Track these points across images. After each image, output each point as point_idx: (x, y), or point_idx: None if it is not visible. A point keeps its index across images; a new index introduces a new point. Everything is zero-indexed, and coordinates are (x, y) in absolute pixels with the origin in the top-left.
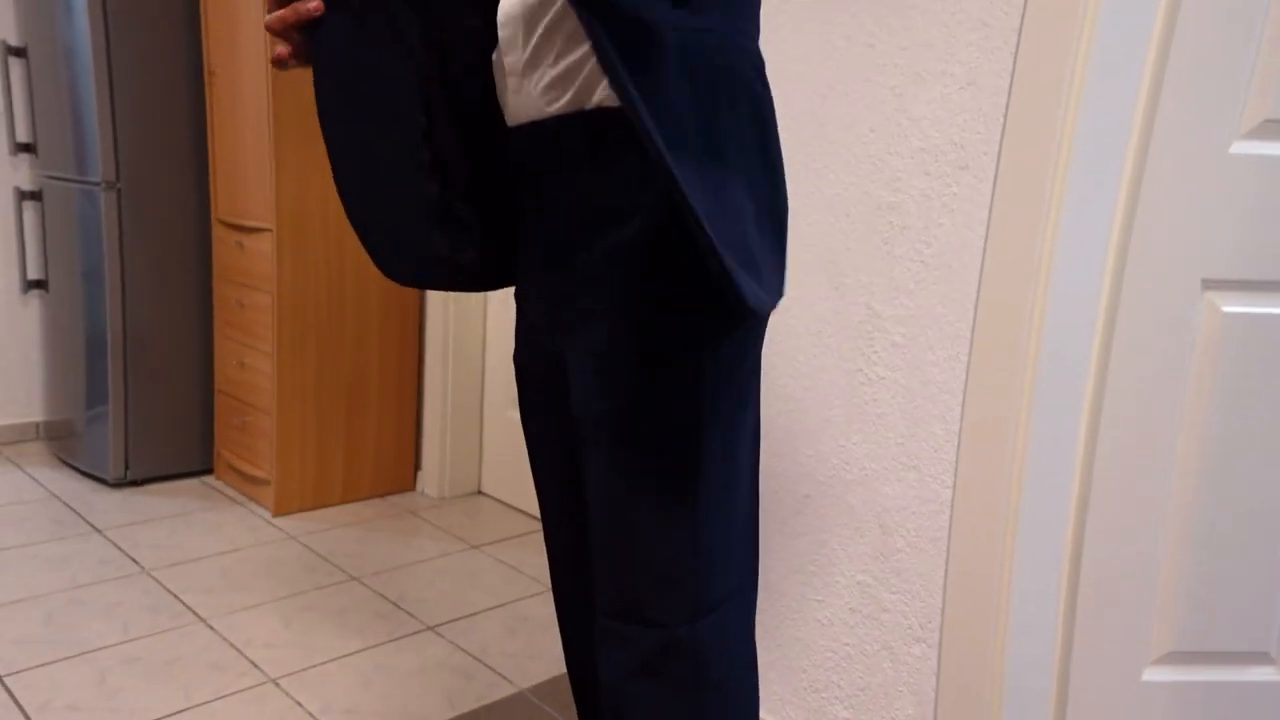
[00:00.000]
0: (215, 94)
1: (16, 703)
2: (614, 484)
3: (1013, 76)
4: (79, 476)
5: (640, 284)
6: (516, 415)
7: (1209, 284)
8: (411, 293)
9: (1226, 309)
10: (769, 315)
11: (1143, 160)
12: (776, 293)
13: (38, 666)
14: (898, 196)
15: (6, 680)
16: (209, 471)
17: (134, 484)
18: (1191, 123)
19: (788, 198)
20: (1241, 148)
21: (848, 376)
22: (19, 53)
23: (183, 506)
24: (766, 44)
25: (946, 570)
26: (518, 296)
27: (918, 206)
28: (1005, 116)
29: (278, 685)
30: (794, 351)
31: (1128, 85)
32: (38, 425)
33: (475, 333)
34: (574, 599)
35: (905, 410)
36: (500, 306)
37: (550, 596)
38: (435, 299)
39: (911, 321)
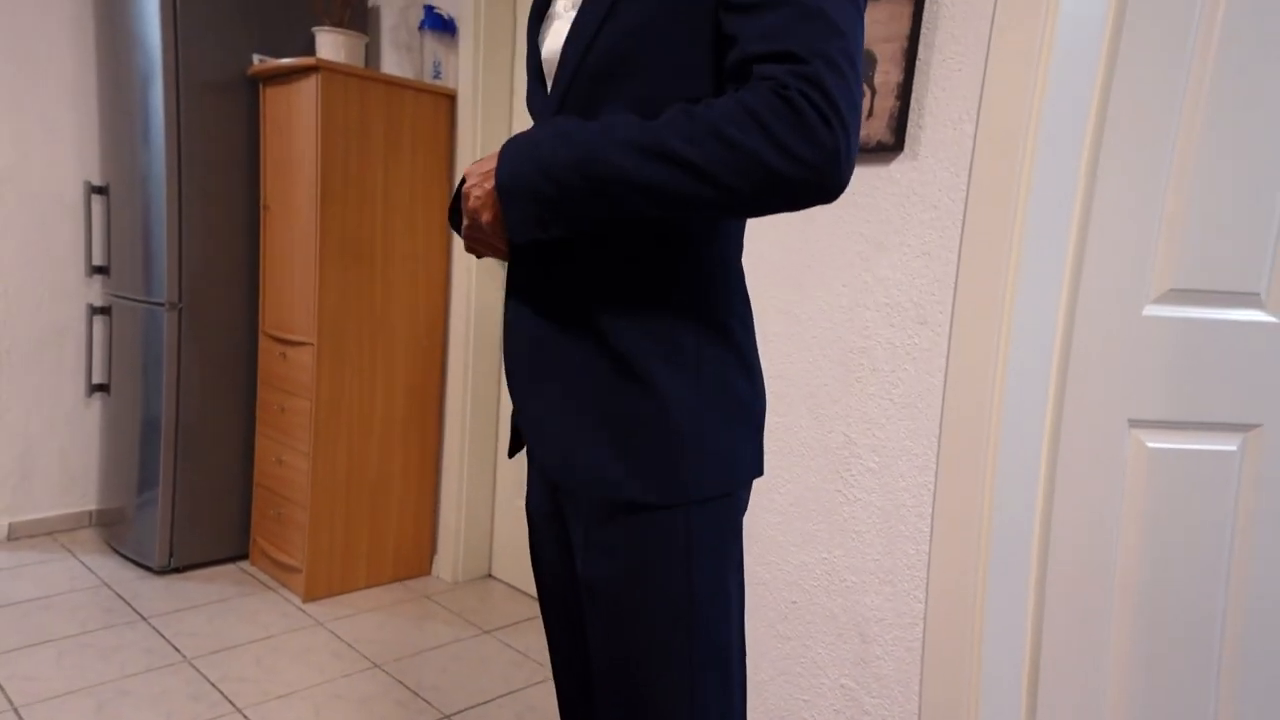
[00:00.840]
0: (268, 225)
1: None
2: (612, 646)
3: (960, 249)
4: (127, 564)
5: None
6: (523, 504)
7: (1134, 423)
8: (433, 395)
9: (1151, 444)
10: (749, 489)
11: (1072, 320)
12: (757, 470)
13: None
14: (868, 343)
15: None
16: (244, 557)
17: (177, 570)
18: (1110, 289)
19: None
20: (1152, 310)
21: (829, 496)
22: (101, 190)
23: (220, 592)
24: (765, 223)
25: (921, 678)
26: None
27: (885, 352)
28: (956, 282)
29: None
30: (781, 470)
31: (1057, 258)
32: (91, 513)
33: (489, 430)
34: None
35: (881, 529)
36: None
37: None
38: (454, 400)
39: (884, 450)
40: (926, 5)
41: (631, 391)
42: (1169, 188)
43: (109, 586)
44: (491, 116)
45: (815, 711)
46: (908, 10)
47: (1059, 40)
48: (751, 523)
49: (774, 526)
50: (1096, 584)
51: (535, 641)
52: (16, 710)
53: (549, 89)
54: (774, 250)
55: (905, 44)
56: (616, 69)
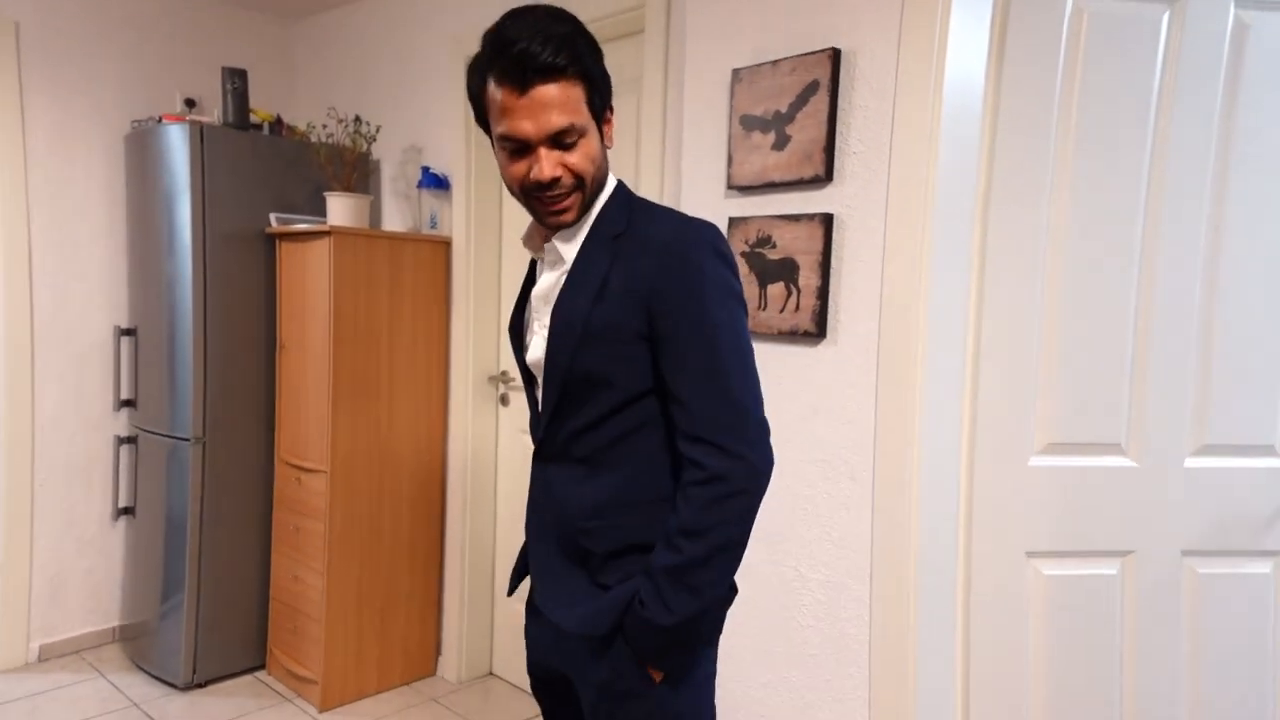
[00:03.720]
0: (284, 362)
1: None
2: None
3: (875, 416)
4: (152, 680)
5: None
6: (522, 606)
7: (1031, 554)
8: (435, 510)
9: (1046, 571)
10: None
11: (972, 472)
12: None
13: None
14: (811, 491)
15: None
16: (262, 667)
17: (199, 685)
18: (1001, 446)
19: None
20: (1037, 460)
21: (785, 622)
22: (129, 332)
23: (241, 707)
24: None
25: None
26: (529, 610)
27: (825, 500)
28: (874, 444)
29: None
30: (749, 599)
31: (953, 423)
32: (115, 629)
33: (487, 536)
34: None
35: (830, 654)
36: (506, 510)
37: None
38: (454, 514)
39: (828, 585)
40: (835, 227)
41: None
42: (1039, 363)
43: (138, 706)
44: (483, 261)
45: None
46: (820, 231)
47: (935, 257)
48: (727, 645)
49: (741, 647)
50: (1012, 692)
51: None
52: None
53: (540, 385)
54: None
55: (820, 257)
56: (592, 380)
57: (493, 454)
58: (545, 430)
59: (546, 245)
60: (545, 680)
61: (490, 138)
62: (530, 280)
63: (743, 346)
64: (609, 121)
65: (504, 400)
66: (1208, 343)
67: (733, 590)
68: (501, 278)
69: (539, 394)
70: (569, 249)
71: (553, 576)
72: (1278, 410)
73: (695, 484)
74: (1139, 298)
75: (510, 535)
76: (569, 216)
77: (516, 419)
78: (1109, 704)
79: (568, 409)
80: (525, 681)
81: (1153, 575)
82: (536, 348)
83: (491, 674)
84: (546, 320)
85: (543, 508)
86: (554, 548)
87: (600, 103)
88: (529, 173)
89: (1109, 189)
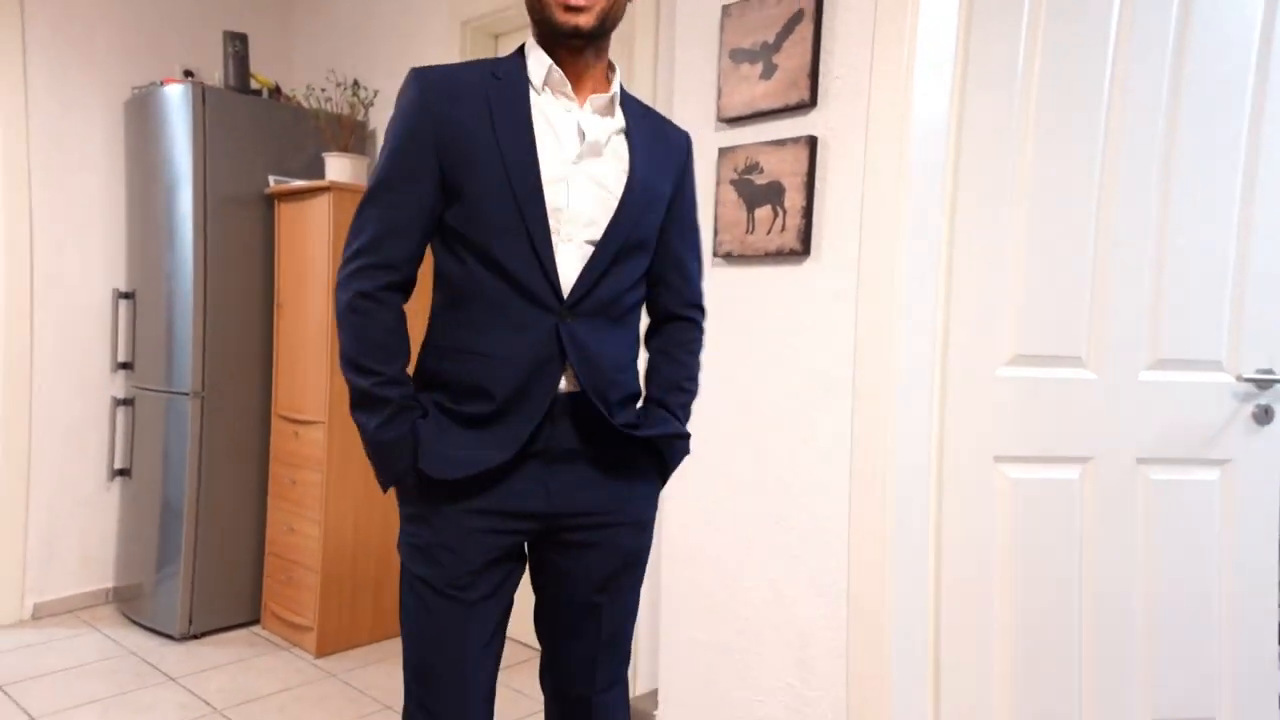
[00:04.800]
0: (282, 320)
1: None
2: (629, 599)
3: (855, 328)
4: (147, 633)
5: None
6: None
7: (999, 458)
8: None
9: (1011, 475)
10: None
11: (945, 381)
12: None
13: None
14: (793, 402)
15: None
16: (256, 621)
17: (195, 637)
18: (971, 356)
19: None
20: (1004, 371)
21: (770, 524)
22: (127, 295)
23: (239, 654)
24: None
25: (848, 670)
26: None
27: (806, 410)
28: (854, 353)
29: None
30: (731, 501)
31: (929, 333)
32: (108, 590)
33: None
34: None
35: (808, 551)
36: None
37: None
38: None
39: (810, 489)
40: (819, 148)
41: None
42: (1007, 281)
43: (135, 654)
44: None
45: (768, 709)
46: (805, 153)
47: (912, 176)
48: (711, 551)
49: (729, 547)
50: (980, 585)
51: (529, 681)
52: None
53: (563, 236)
54: (732, 325)
55: (805, 178)
56: (644, 243)
57: None
58: (589, 288)
59: (594, 97)
60: (508, 544)
61: None
62: (519, 120)
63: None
64: None
65: None
66: (1160, 265)
67: None
68: None
69: (561, 245)
70: (616, 108)
71: (583, 423)
72: (1224, 328)
73: (695, 340)
74: (1099, 222)
75: None
76: (586, 19)
77: None
78: (1069, 597)
79: (617, 268)
80: (515, 628)
81: (1110, 479)
82: (583, 201)
83: None
84: (600, 173)
85: (530, 365)
86: (578, 400)
87: None
88: None
89: (1072, 122)
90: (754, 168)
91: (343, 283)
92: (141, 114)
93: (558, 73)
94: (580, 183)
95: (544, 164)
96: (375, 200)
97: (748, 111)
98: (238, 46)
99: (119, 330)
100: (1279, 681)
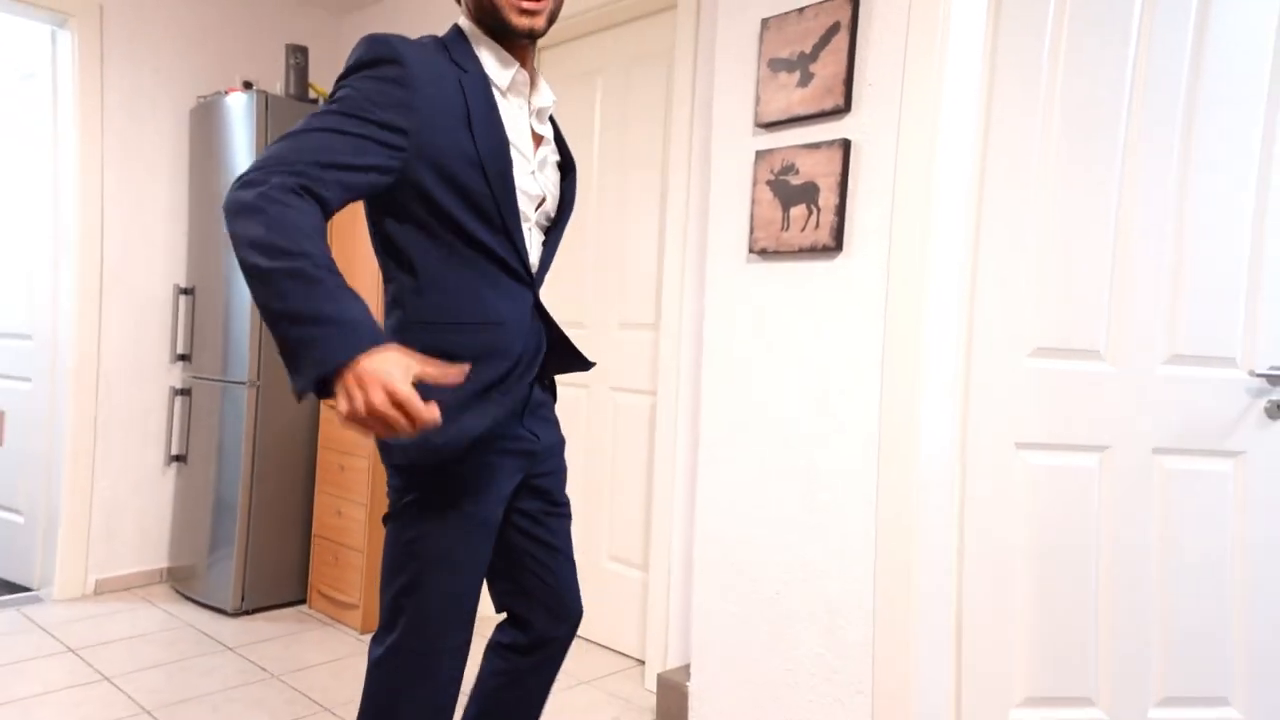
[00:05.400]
0: None
1: None
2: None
3: (885, 319)
4: (201, 608)
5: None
6: None
7: (1020, 445)
8: None
9: (1031, 461)
10: None
11: (970, 370)
12: None
13: None
14: (827, 386)
15: None
16: (303, 601)
17: (247, 613)
18: (996, 348)
19: None
20: (1027, 363)
21: (799, 509)
22: (187, 291)
23: (289, 628)
24: (768, 300)
25: (874, 641)
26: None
27: (839, 395)
28: (883, 342)
29: None
30: (763, 486)
31: (956, 325)
32: (163, 570)
33: None
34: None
35: (838, 533)
36: None
37: None
38: None
39: (839, 471)
40: (852, 151)
41: None
42: (1031, 276)
43: (192, 626)
44: None
45: (796, 677)
46: (839, 155)
47: (942, 173)
48: (742, 530)
49: (761, 535)
50: (1002, 564)
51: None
52: (150, 713)
53: (546, 219)
54: (765, 317)
55: (839, 178)
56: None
57: None
58: (546, 264)
59: (541, 89)
60: (519, 479)
61: None
62: (487, 120)
63: None
64: None
65: None
66: (1177, 264)
67: None
68: None
69: (533, 232)
70: (550, 96)
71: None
72: (1238, 326)
73: None
74: (1118, 223)
75: None
76: (540, 21)
77: None
78: (1086, 577)
79: (556, 246)
80: None
81: (1126, 468)
82: (549, 190)
83: None
84: (550, 167)
85: (529, 330)
86: (540, 359)
87: None
88: None
89: (1094, 124)
90: (790, 169)
91: (253, 181)
92: (206, 121)
93: (523, 76)
94: (540, 179)
95: (518, 175)
96: (339, 126)
97: (784, 117)
98: (299, 59)
99: (179, 324)
100: None
